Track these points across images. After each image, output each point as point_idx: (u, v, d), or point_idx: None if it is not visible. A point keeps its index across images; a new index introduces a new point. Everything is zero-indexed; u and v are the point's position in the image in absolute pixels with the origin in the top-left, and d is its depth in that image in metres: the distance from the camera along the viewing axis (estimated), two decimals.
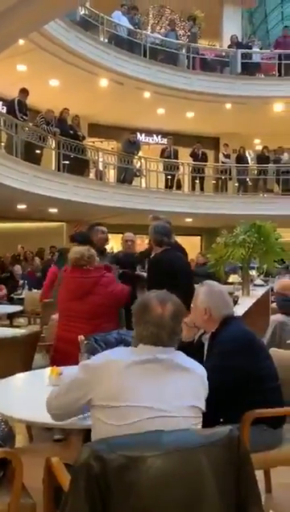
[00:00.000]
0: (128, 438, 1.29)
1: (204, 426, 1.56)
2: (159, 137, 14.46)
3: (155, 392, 1.44)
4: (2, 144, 9.14)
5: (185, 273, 3.86)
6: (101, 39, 11.17)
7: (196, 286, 2.43)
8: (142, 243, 13.42)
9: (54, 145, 10.40)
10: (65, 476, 1.54)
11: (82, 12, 10.72)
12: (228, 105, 12.86)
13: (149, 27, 13.82)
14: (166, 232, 3.84)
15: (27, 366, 3.08)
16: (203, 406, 1.53)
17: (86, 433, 1.65)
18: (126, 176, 12.07)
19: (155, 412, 1.41)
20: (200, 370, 1.58)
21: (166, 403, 1.43)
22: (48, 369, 2.33)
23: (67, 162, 10.47)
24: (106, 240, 4.25)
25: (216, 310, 2.17)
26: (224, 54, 13.44)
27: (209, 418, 1.64)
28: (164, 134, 13.78)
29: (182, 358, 1.55)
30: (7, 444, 1.82)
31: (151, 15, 14.62)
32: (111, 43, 11.34)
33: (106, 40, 11.32)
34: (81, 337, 2.57)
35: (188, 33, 13.40)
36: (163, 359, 1.49)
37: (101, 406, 1.46)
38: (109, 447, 1.22)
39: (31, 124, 9.96)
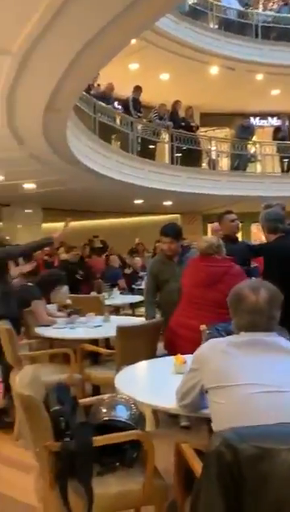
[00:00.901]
0: (257, 429, 1.27)
1: None
2: (275, 119, 13.79)
3: (261, 369, 1.45)
4: (114, 141, 9.53)
5: None
6: (211, 25, 10.99)
7: None
8: (258, 232, 12.97)
9: (167, 138, 10.56)
10: (196, 461, 1.58)
11: (191, 1, 10.65)
12: None
13: (260, 5, 13.19)
14: (279, 218, 3.66)
15: (152, 353, 3.20)
16: None
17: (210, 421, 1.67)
18: (240, 163, 11.76)
19: (264, 387, 1.40)
20: None
21: (274, 379, 1.42)
22: (173, 357, 2.40)
23: (180, 154, 10.55)
24: (237, 228, 4.19)
25: None
26: None
27: None
28: (279, 116, 13.09)
29: (287, 343, 1.53)
30: (139, 427, 1.93)
31: None
32: (221, 28, 11.10)
33: (216, 26, 11.10)
34: (203, 326, 2.58)
35: None
36: (265, 340, 1.50)
37: (212, 389, 1.52)
38: (239, 436, 1.22)
39: (144, 120, 10.23)
